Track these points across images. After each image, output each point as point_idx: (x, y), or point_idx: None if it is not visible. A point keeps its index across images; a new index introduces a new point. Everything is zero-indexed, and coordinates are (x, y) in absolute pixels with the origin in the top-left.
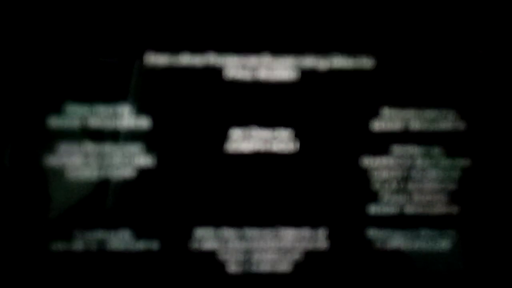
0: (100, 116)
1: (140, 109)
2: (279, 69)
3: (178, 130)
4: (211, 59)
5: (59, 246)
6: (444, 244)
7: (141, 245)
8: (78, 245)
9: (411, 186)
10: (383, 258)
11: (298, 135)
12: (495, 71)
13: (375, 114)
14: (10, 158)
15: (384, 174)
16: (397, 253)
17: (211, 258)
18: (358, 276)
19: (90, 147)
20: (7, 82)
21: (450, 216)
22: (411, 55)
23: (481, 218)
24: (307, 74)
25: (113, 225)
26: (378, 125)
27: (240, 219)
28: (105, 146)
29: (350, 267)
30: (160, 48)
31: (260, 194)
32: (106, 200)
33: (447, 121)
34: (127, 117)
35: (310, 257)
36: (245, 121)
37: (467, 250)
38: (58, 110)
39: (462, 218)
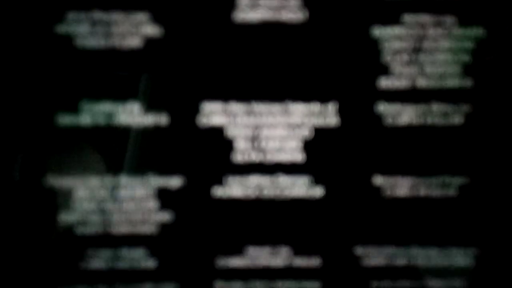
0: None
1: None
2: None
3: None
4: None
5: (66, 119)
6: (457, 119)
7: (149, 119)
8: (85, 118)
9: (423, 57)
10: (393, 135)
11: (307, 3)
12: None
13: None
14: (21, 31)
15: (395, 45)
16: (408, 130)
17: (219, 134)
18: (367, 153)
19: (97, 15)
20: None
21: (464, 89)
22: None
23: (495, 91)
24: None
25: (121, 98)
26: None
27: (248, 93)
28: (112, 14)
29: (360, 143)
30: None
31: (269, 67)
32: (113, 70)
33: None
34: None
35: (319, 133)
36: None
37: (479, 125)
38: None
39: (475, 92)
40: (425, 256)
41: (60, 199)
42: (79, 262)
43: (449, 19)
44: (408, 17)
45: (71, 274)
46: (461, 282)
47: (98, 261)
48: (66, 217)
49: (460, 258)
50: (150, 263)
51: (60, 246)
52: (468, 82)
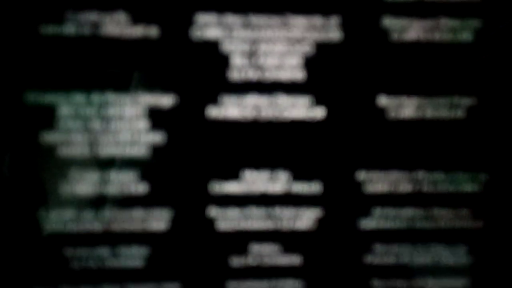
0: None
1: None
2: None
3: None
4: None
5: (49, 30)
6: (466, 35)
7: (138, 31)
8: (69, 29)
9: None
10: (399, 51)
11: None
12: None
13: None
14: None
15: None
16: (415, 46)
17: (214, 48)
18: (372, 71)
19: None
20: None
21: (473, 3)
22: None
23: (507, 4)
24: None
25: (108, 7)
26: None
27: (246, 4)
28: None
29: (364, 60)
30: None
31: None
32: None
33: None
34: None
35: (321, 49)
36: None
37: (489, 41)
38: None
39: (485, 6)
40: (431, 182)
41: (43, 117)
42: (63, 186)
43: None
44: None
45: (55, 198)
46: (468, 209)
47: (85, 184)
48: (48, 137)
49: (468, 183)
50: (140, 188)
51: (42, 168)
52: None
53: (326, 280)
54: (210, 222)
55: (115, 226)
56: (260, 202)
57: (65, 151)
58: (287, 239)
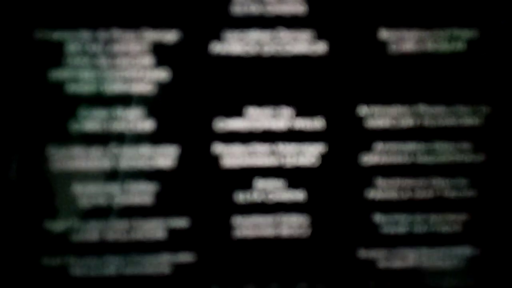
0: None
1: None
2: None
3: None
4: None
5: None
6: None
7: None
8: None
9: None
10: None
11: None
12: None
13: None
14: None
15: None
16: None
17: None
18: (373, 3)
19: None
20: None
21: None
22: None
23: None
24: None
25: None
26: None
27: None
28: None
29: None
30: None
31: None
32: None
33: None
34: None
35: None
36: None
37: None
38: None
39: None
40: (432, 116)
41: (51, 54)
42: (71, 123)
43: None
44: None
45: (63, 135)
46: (470, 142)
47: (92, 122)
48: (56, 74)
49: (469, 116)
50: (147, 125)
51: (50, 105)
52: None
53: (329, 214)
54: (215, 158)
55: (123, 163)
56: (264, 139)
57: (73, 88)
58: (290, 175)
